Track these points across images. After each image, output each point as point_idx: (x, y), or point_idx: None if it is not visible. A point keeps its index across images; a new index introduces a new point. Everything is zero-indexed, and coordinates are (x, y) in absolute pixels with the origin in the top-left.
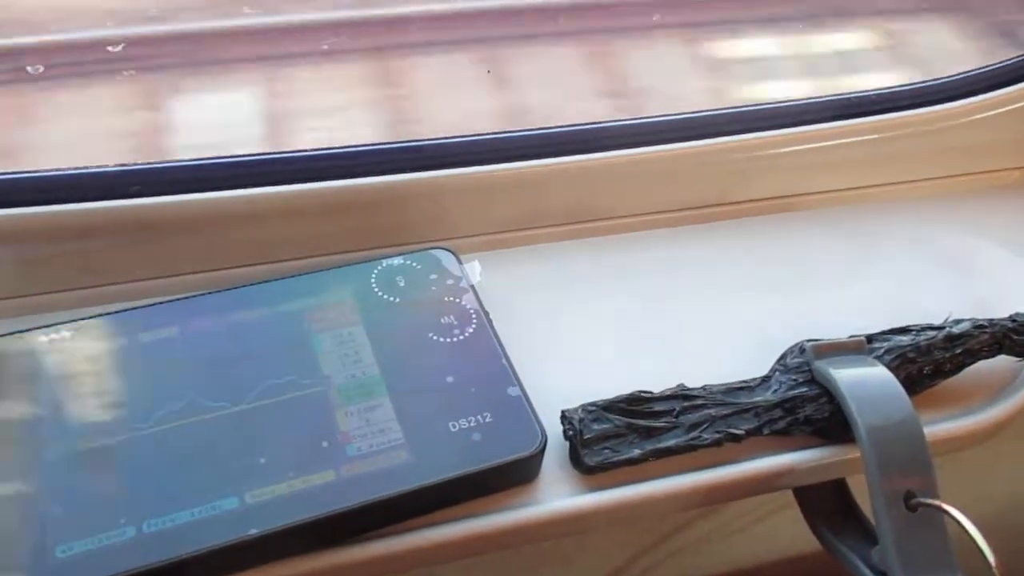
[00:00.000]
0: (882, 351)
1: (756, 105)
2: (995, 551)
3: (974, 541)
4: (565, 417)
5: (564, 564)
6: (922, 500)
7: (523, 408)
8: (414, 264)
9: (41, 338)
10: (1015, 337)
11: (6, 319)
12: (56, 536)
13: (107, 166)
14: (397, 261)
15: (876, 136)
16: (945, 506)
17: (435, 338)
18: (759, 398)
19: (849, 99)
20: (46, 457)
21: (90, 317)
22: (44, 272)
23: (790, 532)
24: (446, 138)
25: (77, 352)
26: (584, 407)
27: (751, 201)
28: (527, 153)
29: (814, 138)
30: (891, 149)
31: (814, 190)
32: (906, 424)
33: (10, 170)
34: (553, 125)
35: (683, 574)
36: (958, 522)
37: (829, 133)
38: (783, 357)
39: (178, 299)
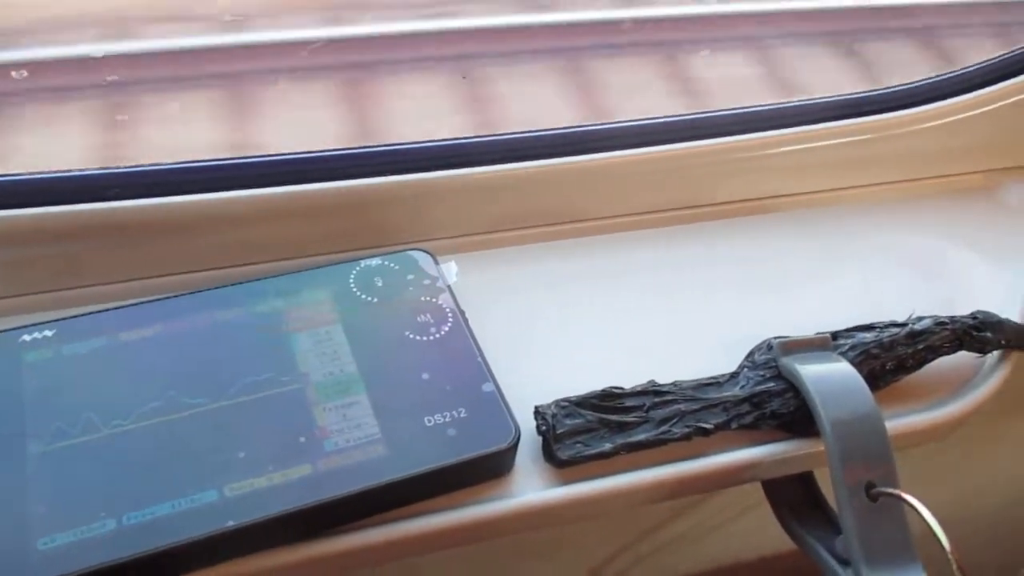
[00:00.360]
0: (846, 347)
1: (731, 110)
2: (953, 540)
3: (930, 527)
4: (538, 412)
5: (543, 562)
6: (882, 489)
7: (497, 404)
8: (392, 265)
9: (24, 337)
10: (975, 334)
11: None
12: (38, 529)
13: (87, 169)
14: (375, 262)
15: (845, 140)
16: (903, 494)
17: (412, 336)
18: (727, 393)
19: (819, 104)
20: (28, 453)
21: (71, 317)
22: (25, 274)
23: (764, 530)
24: (424, 142)
25: (59, 351)
26: (557, 403)
27: (724, 204)
28: (504, 156)
29: (785, 142)
30: (860, 153)
31: (785, 192)
32: (868, 418)
33: None
34: (530, 129)
35: (664, 571)
36: (915, 509)
37: (800, 137)
38: (751, 354)
39: (158, 299)
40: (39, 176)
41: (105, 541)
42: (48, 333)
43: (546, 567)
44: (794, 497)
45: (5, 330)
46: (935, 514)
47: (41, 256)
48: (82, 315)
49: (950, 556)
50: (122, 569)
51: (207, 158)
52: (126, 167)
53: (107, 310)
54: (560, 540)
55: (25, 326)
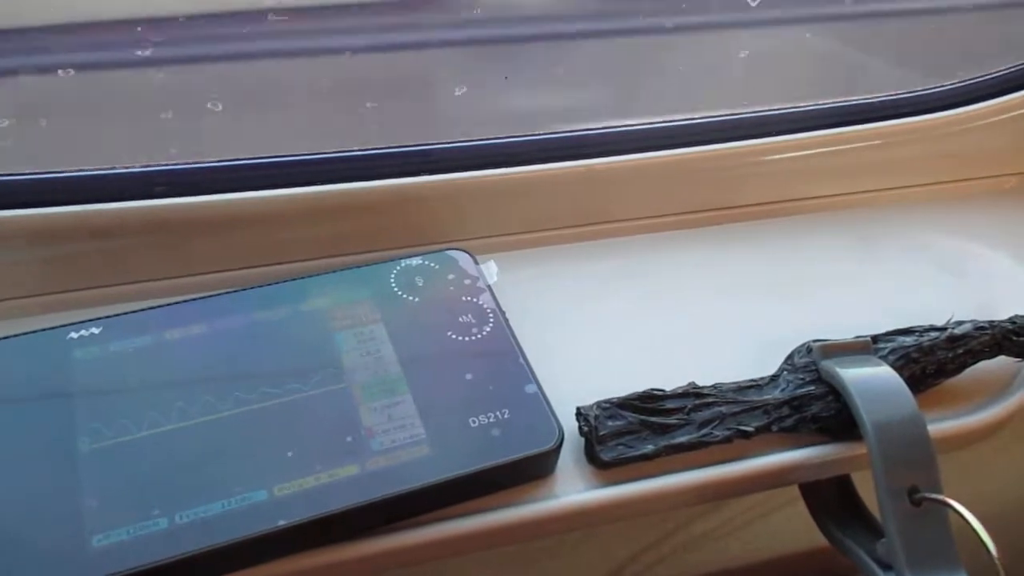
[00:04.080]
0: (887, 351)
1: (761, 111)
2: (997, 546)
3: (976, 533)
4: (580, 414)
5: (570, 558)
6: (926, 495)
7: (540, 405)
8: (432, 264)
9: (72, 334)
10: (1014, 338)
11: (37, 316)
12: (92, 526)
13: (133, 166)
14: (416, 261)
15: (878, 142)
16: (949, 500)
17: (453, 336)
18: (768, 396)
19: (850, 106)
20: (80, 451)
21: (118, 315)
22: (72, 270)
23: (793, 528)
24: (462, 142)
25: (106, 348)
26: (599, 404)
27: (758, 205)
28: (540, 157)
29: (818, 144)
30: (892, 155)
31: (818, 194)
32: (910, 421)
33: (39, 170)
34: (565, 130)
35: (688, 569)
36: (961, 515)
37: (832, 139)
38: (791, 357)
39: (204, 297)
40: (86, 173)
41: (158, 539)
42: (95, 331)
43: (566, 565)
44: (832, 500)
45: (53, 327)
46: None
47: (87, 252)
48: (128, 313)
49: (997, 562)
50: (176, 567)
51: (252, 156)
52: (171, 164)
53: (153, 308)
54: (582, 539)
55: (72, 323)
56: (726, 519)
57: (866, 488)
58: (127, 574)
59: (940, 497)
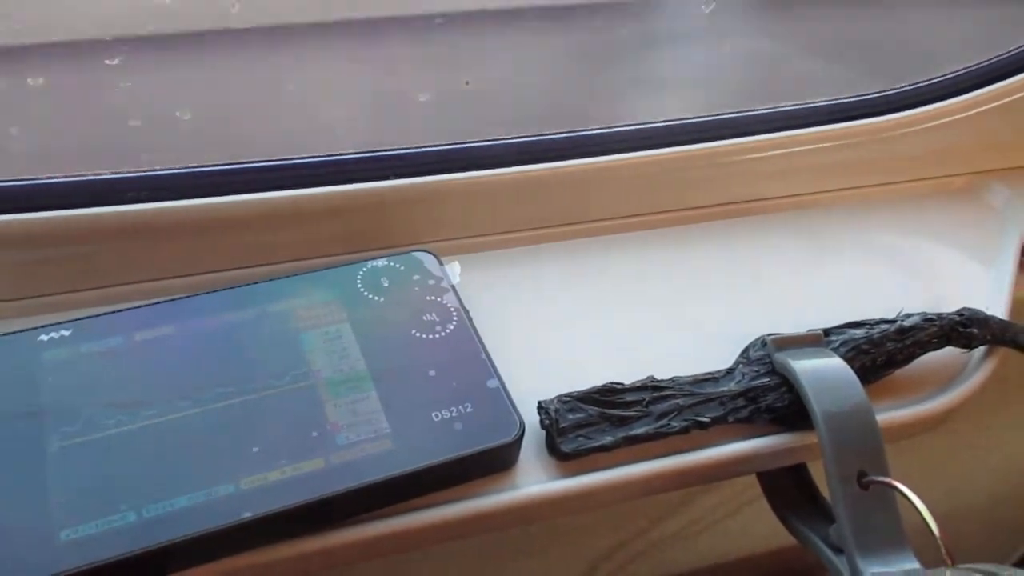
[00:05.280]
0: (838, 343)
1: (718, 115)
2: (941, 528)
3: (920, 513)
4: (542, 407)
5: (544, 557)
6: (873, 477)
7: (502, 399)
8: (397, 266)
9: (42, 337)
10: (961, 330)
11: (8, 320)
12: (60, 521)
13: (103, 173)
14: (381, 263)
15: (831, 144)
16: (894, 482)
17: (418, 334)
18: (724, 388)
19: (803, 109)
20: (49, 448)
21: (87, 317)
22: (44, 275)
23: (762, 526)
24: (428, 146)
25: (76, 350)
26: (560, 398)
27: (716, 205)
28: (506, 161)
29: (773, 146)
30: (844, 157)
31: (773, 195)
32: (859, 410)
33: (10, 177)
34: (528, 135)
35: (661, 567)
36: (905, 496)
37: (786, 141)
38: (746, 350)
39: (171, 300)
40: (57, 180)
41: (126, 532)
42: (65, 333)
43: (540, 564)
44: (788, 489)
45: (24, 330)
46: (925, 504)
47: (58, 258)
48: (98, 315)
49: (938, 539)
50: (144, 559)
51: (219, 162)
52: (141, 171)
53: (122, 310)
54: (555, 538)
55: (43, 326)
56: (697, 517)
57: (822, 478)
58: (94, 567)
59: (886, 479)
